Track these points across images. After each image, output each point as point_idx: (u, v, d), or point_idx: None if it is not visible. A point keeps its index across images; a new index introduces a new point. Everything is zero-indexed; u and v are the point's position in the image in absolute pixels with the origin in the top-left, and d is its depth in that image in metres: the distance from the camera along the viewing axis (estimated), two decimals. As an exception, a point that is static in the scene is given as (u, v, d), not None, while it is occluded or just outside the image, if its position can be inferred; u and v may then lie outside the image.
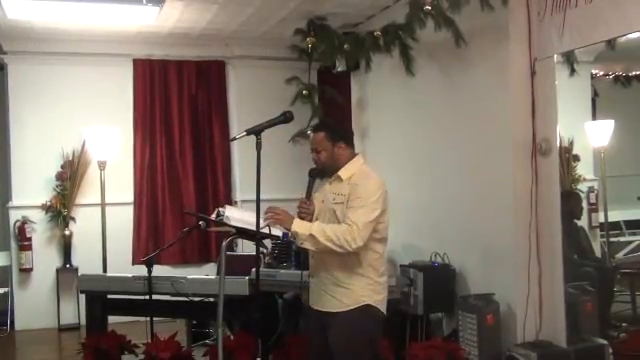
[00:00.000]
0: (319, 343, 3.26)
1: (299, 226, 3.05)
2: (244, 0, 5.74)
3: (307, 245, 3.06)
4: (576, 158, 6.12)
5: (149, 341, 4.40)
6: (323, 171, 3.28)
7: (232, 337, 4.55)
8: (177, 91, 7.34)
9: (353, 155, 3.27)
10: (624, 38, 3.97)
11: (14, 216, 6.80)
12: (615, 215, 6.20)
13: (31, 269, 6.78)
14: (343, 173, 3.21)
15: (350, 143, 3.29)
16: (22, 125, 6.85)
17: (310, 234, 3.02)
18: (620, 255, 5.97)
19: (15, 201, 6.86)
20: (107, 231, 6.68)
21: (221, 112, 7.49)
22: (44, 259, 6.81)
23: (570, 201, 5.42)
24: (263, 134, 3.00)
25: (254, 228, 3.03)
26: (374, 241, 3.14)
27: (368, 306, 3.12)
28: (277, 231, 3.06)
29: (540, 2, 4.21)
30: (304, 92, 6.11)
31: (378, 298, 3.16)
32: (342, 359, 3.14)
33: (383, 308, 3.19)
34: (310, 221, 3.17)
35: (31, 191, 6.82)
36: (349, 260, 3.10)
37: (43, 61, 6.88)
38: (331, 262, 3.14)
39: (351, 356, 3.11)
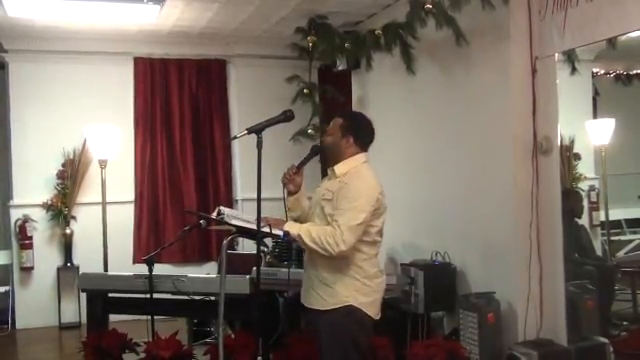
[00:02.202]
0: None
1: (290, 226, 3.06)
2: (245, -1, 5.75)
3: (299, 244, 3.08)
4: (577, 157, 6.10)
5: (150, 340, 4.40)
6: (324, 156, 3.26)
7: (233, 336, 4.55)
8: (178, 90, 7.34)
9: (357, 153, 3.21)
10: (625, 37, 3.97)
11: (15, 215, 6.81)
12: (616, 214, 6.19)
13: (32, 268, 6.80)
14: (338, 169, 3.18)
15: (360, 143, 3.21)
16: (23, 124, 6.86)
17: (298, 234, 3.02)
18: (621, 254, 5.96)
19: (16, 200, 6.87)
20: (108, 230, 6.68)
21: (222, 111, 7.50)
22: (45, 258, 6.82)
23: (570, 199, 5.41)
24: (264, 133, 3.00)
25: (253, 227, 3.03)
26: (362, 243, 3.08)
27: (351, 307, 3.06)
28: (278, 230, 3.06)
29: (541, 1, 4.21)
30: (305, 91, 6.11)
31: (364, 300, 3.08)
32: (326, 356, 3.12)
33: (371, 311, 3.12)
34: (293, 192, 3.23)
35: (32, 190, 6.83)
36: (336, 259, 3.06)
37: (44, 59, 6.89)
38: (319, 260, 3.12)
39: (332, 356, 3.09)
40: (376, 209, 3.08)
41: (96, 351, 4.58)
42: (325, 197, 3.13)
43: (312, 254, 3.14)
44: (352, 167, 3.16)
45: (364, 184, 3.09)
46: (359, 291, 3.08)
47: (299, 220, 3.29)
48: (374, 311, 3.14)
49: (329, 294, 3.09)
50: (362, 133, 3.25)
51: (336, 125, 3.24)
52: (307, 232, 3.03)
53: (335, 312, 3.07)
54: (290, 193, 3.28)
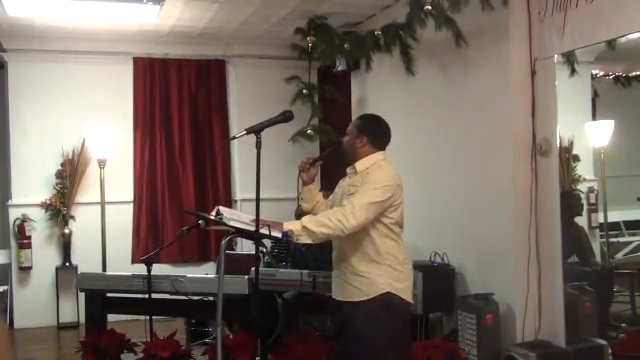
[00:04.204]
0: (345, 335, 3.26)
1: (290, 224, 3.06)
2: (244, -1, 5.75)
3: (304, 239, 3.05)
4: (576, 158, 6.11)
5: (148, 340, 4.39)
6: (342, 154, 3.33)
7: (231, 336, 4.54)
8: (177, 90, 7.33)
9: (373, 152, 3.28)
10: (624, 38, 3.97)
11: (14, 214, 6.80)
12: (615, 215, 6.20)
13: (30, 267, 6.79)
14: (359, 165, 3.25)
15: (375, 143, 3.28)
16: (22, 123, 6.85)
17: (303, 226, 3.01)
18: (619, 255, 5.96)
19: (15, 199, 6.86)
20: (107, 230, 6.68)
21: (221, 111, 7.49)
22: (43, 257, 6.80)
23: (568, 200, 5.41)
24: (263, 133, 3.00)
25: (251, 229, 3.02)
26: (387, 229, 3.13)
27: (389, 294, 3.09)
28: (277, 232, 3.05)
29: (541, 2, 4.21)
30: (304, 91, 6.12)
31: (399, 286, 3.12)
32: (364, 349, 3.10)
33: (406, 296, 3.16)
34: (306, 183, 3.35)
35: (31, 189, 6.82)
36: (366, 249, 3.12)
37: (43, 59, 6.88)
38: (349, 252, 3.16)
39: (369, 348, 3.09)
40: (393, 201, 3.13)
41: (94, 351, 4.58)
42: (350, 192, 3.18)
43: (342, 247, 3.18)
44: (373, 163, 3.24)
45: (383, 172, 3.17)
46: (394, 278, 3.12)
47: (311, 213, 3.35)
48: (409, 295, 3.19)
49: (365, 284, 3.12)
50: (375, 133, 3.32)
51: (352, 125, 3.35)
52: (311, 219, 3.04)
53: (372, 302, 3.09)
54: (304, 183, 3.38)
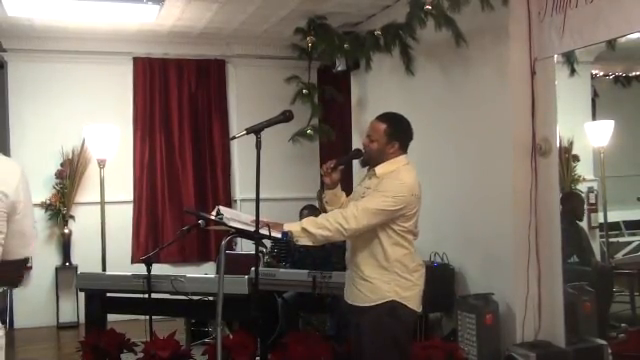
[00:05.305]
0: (348, 335, 3.26)
1: (290, 225, 3.04)
2: (244, -1, 5.74)
3: (304, 241, 3.03)
4: (576, 158, 6.11)
5: (148, 340, 4.40)
6: (365, 160, 3.25)
7: (231, 336, 4.55)
8: (177, 90, 7.33)
9: (398, 155, 3.18)
10: (624, 38, 3.98)
11: (13, 214, 6.79)
12: (614, 215, 6.20)
13: (30, 267, 6.77)
14: (379, 169, 3.16)
15: (403, 147, 3.21)
16: (22, 123, 6.85)
17: (302, 228, 3.00)
18: (619, 255, 5.96)
19: (15, 199, 6.85)
20: (106, 229, 6.68)
21: (221, 111, 7.49)
22: (43, 257, 6.79)
23: (572, 202, 5.43)
24: (263, 133, 3.00)
25: (251, 229, 3.02)
26: (399, 236, 3.08)
27: (394, 302, 3.06)
28: (277, 233, 3.05)
29: (540, 2, 4.22)
30: (304, 91, 6.11)
31: (406, 295, 3.08)
32: (368, 355, 3.11)
33: (414, 305, 3.11)
34: (329, 187, 3.26)
35: (30, 189, 6.79)
36: (375, 253, 3.08)
37: (43, 59, 6.88)
38: (359, 254, 3.13)
39: (373, 355, 3.08)
40: (405, 211, 3.07)
41: (94, 351, 4.58)
42: (364, 195, 3.14)
43: (354, 248, 3.16)
44: (394, 169, 3.15)
45: (399, 182, 3.08)
46: (400, 286, 3.08)
47: None
48: (416, 304, 3.14)
49: (370, 290, 3.09)
50: (406, 137, 3.24)
51: (380, 131, 3.19)
52: (311, 221, 3.02)
53: (377, 309, 3.07)
54: (327, 187, 3.31)
